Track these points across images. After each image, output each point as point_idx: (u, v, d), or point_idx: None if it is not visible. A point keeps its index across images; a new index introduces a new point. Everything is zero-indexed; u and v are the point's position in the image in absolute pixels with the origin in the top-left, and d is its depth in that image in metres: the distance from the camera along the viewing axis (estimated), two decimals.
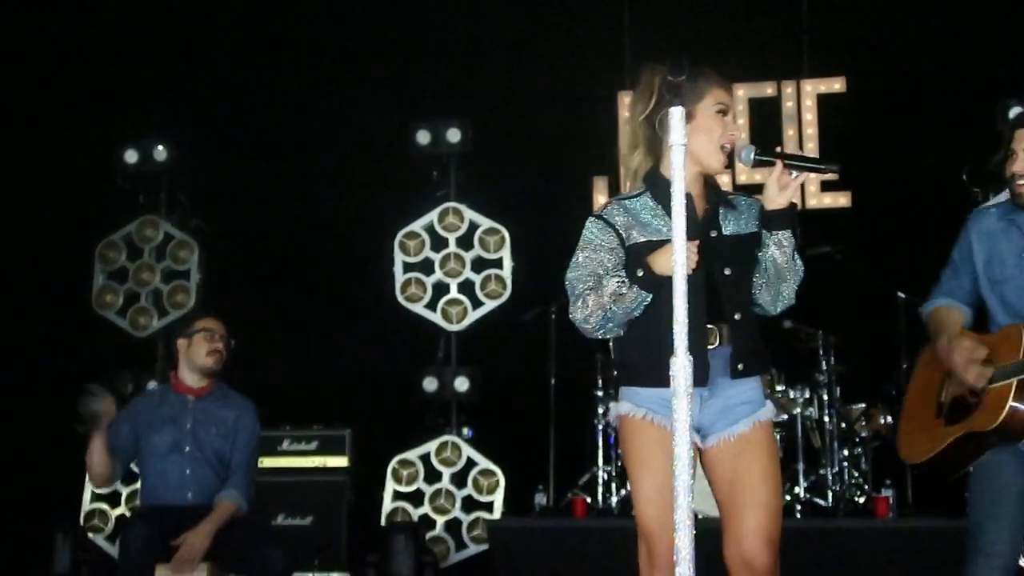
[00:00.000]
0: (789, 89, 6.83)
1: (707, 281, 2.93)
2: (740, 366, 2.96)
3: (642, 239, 2.98)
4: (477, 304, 6.49)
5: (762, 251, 2.99)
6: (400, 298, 6.51)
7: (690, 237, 2.87)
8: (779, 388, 5.98)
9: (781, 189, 2.96)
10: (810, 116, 6.81)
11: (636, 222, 3.01)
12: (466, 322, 6.49)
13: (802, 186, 6.47)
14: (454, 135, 6.58)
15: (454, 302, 6.51)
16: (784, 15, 6.91)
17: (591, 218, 3.05)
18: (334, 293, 6.95)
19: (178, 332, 4.33)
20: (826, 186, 6.69)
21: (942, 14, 6.48)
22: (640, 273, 2.94)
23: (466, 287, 6.51)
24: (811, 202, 6.73)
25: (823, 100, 6.80)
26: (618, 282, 2.96)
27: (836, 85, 6.81)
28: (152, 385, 6.16)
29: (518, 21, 6.94)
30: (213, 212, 6.93)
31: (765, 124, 6.83)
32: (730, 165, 3.57)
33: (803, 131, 6.80)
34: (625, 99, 6.81)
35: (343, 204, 6.98)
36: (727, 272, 2.98)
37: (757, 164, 2.98)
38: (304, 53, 7.07)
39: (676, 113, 2.50)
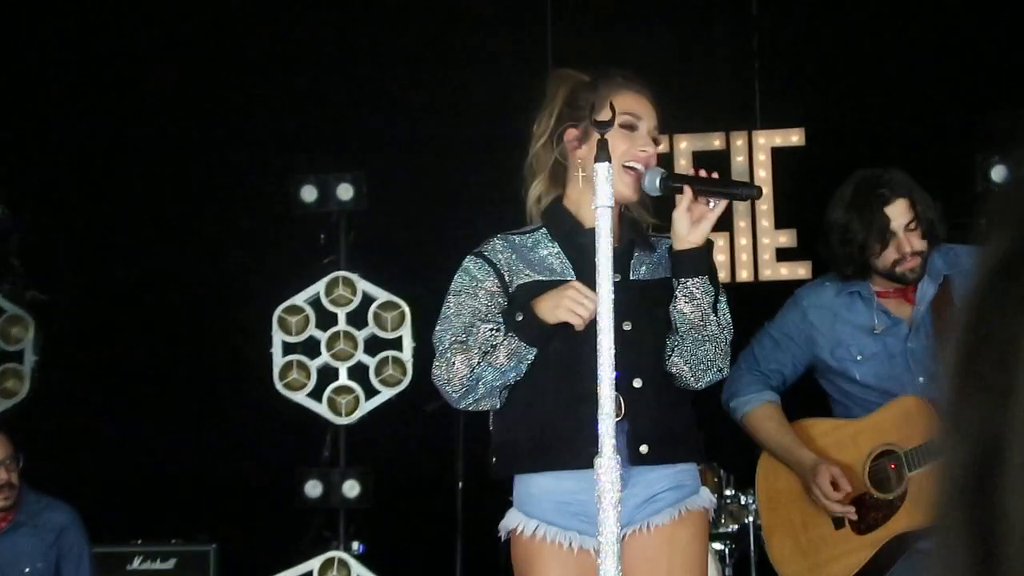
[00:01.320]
0: (739, 141, 7.02)
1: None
2: (643, 449, 2.83)
3: (529, 278, 2.91)
4: (371, 392, 6.52)
5: (671, 305, 2.88)
6: (279, 385, 6.52)
7: (585, 279, 2.85)
8: (728, 492, 5.94)
9: (693, 223, 2.85)
10: (764, 172, 6.98)
11: (523, 260, 2.95)
12: (357, 414, 6.52)
13: (754, 255, 6.86)
14: (345, 191, 6.63)
15: (343, 390, 6.54)
16: (733, 57, 7.19)
17: (468, 256, 3.00)
18: (199, 378, 6.98)
19: None
20: (782, 255, 6.90)
21: (914, 58, 6.77)
22: (519, 317, 2.83)
23: (358, 372, 6.55)
24: (765, 272, 6.92)
25: (779, 154, 6.99)
26: (490, 330, 2.85)
27: (793, 137, 7.00)
28: None
29: (423, 55, 7.07)
30: (52, 280, 6.94)
31: None
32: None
33: None
34: None
35: (210, 272, 7.04)
36: (626, 327, 2.84)
37: (667, 191, 2.89)
38: (166, 88, 7.16)
39: (602, 171, 2.54)
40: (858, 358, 3.88)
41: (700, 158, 7.04)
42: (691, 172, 2.97)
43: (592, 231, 2.86)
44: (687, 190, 2.87)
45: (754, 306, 6.45)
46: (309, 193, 6.64)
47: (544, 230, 3.04)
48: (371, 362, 6.52)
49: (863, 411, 3.89)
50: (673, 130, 6.96)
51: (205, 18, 7.11)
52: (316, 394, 6.54)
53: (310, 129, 7.15)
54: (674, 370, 2.93)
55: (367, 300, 6.60)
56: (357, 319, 6.58)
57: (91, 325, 7.03)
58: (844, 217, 3.85)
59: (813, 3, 7.02)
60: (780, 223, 6.92)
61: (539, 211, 3.13)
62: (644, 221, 3.15)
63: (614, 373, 2.59)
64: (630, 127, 3.01)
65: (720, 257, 6.84)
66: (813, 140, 6.98)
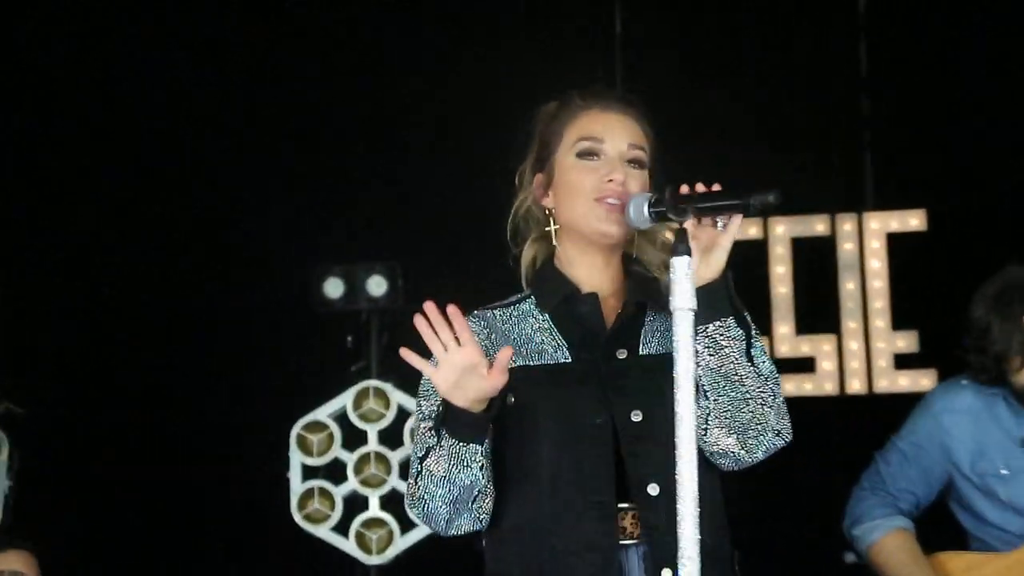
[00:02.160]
0: (848, 225, 6.89)
1: (609, 442, 2.68)
2: (666, 574, 2.63)
3: (512, 365, 2.71)
4: (408, 526, 6.44)
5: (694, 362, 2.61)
6: (297, 517, 6.48)
7: (583, 358, 2.74)
8: None
9: (703, 253, 2.65)
10: (877, 263, 6.86)
11: (504, 340, 2.80)
12: (391, 552, 6.45)
13: (867, 363, 6.67)
14: (377, 285, 6.62)
15: (374, 523, 6.47)
16: (839, 125, 7.06)
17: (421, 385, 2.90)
18: (202, 512, 6.87)
19: None
20: (901, 362, 6.73)
21: None
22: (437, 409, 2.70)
23: (392, 502, 6.48)
24: (880, 383, 6.76)
25: (895, 241, 6.86)
26: (427, 429, 2.73)
27: (913, 221, 6.87)
28: None
29: (463, 129, 6.97)
30: (31, 389, 6.83)
31: (815, 272, 6.86)
32: None
33: (867, 283, 6.84)
34: None
35: (218, 382, 6.95)
36: (635, 418, 2.69)
37: (663, 219, 2.70)
38: (169, 165, 7.16)
39: (680, 265, 2.43)
40: (1003, 472, 3.82)
41: (801, 247, 6.90)
42: (686, 189, 2.70)
43: (592, 296, 2.77)
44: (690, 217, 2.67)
45: (867, 424, 6.33)
46: (334, 287, 6.64)
47: (532, 299, 2.89)
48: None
49: (1007, 546, 3.74)
50: (769, 212, 6.83)
51: (215, 86, 7.14)
52: (342, 528, 6.49)
53: (335, 212, 7.09)
54: (716, 447, 2.70)
55: (403, 415, 6.51)
56: (391, 438, 6.53)
57: (78, 443, 6.94)
58: (984, 319, 3.77)
59: (934, 60, 6.86)
60: (898, 323, 6.77)
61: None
62: (653, 264, 2.95)
63: (695, 518, 2.38)
64: (589, 153, 2.84)
65: (827, 365, 6.72)
66: (936, 224, 6.85)
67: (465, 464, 2.63)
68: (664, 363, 2.63)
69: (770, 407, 2.70)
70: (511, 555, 2.72)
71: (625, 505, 2.64)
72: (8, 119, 7.07)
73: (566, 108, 2.91)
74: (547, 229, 2.90)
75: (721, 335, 2.64)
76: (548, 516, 2.66)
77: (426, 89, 7.04)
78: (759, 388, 2.68)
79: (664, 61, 7.08)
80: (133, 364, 7.02)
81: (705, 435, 2.68)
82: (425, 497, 2.69)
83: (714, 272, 2.63)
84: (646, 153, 2.88)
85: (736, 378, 2.64)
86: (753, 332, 2.73)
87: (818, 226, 6.94)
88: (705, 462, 2.70)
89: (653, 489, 2.63)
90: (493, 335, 2.82)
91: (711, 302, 2.60)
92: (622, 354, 2.69)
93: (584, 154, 2.83)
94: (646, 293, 2.83)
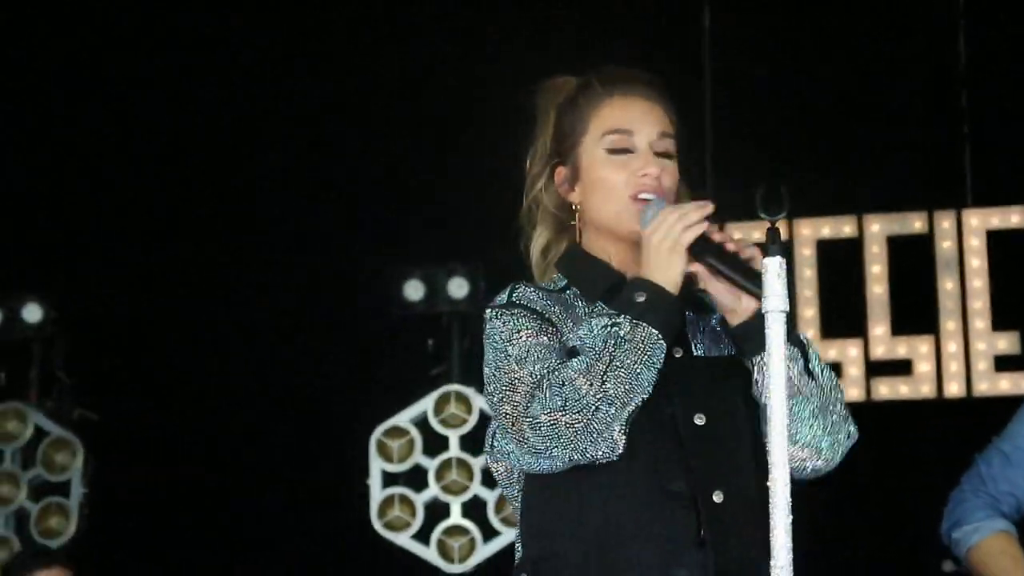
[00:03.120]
0: (946, 223, 6.81)
1: (676, 434, 2.58)
2: None
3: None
4: (490, 534, 6.46)
5: (754, 390, 2.61)
6: (377, 524, 6.49)
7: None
8: None
9: (735, 291, 2.58)
10: (977, 261, 6.79)
11: (570, 317, 2.66)
12: (473, 560, 6.45)
13: (967, 365, 6.57)
14: (458, 287, 6.63)
15: (456, 531, 6.48)
16: (937, 118, 6.97)
17: (496, 311, 2.67)
18: (280, 517, 6.89)
19: None
20: (1002, 364, 6.64)
21: None
22: (641, 298, 2.52)
23: (474, 509, 6.49)
24: (980, 386, 6.68)
25: (996, 238, 6.79)
26: (604, 324, 2.53)
27: (1014, 217, 6.81)
28: None
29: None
30: (104, 397, 6.96)
31: (912, 271, 6.78)
32: None
33: (966, 282, 6.74)
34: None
35: (294, 388, 6.96)
36: (698, 421, 2.60)
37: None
38: (244, 167, 7.18)
39: (772, 266, 2.36)
40: None
41: (897, 245, 6.82)
42: (718, 237, 2.63)
43: (640, 281, 2.59)
44: (697, 266, 2.59)
45: (966, 429, 6.21)
46: (415, 290, 6.67)
47: (573, 289, 2.71)
48: (490, 496, 6.49)
49: None
50: (863, 210, 6.78)
51: (300, 91, 7.17)
52: (423, 536, 6.50)
53: (416, 213, 7.08)
54: (793, 462, 2.56)
55: (484, 420, 6.46)
56: (473, 443, 6.52)
57: (151, 450, 6.97)
58: None
59: None
60: (999, 324, 6.69)
61: (547, 265, 2.82)
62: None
63: (788, 516, 2.31)
64: (622, 150, 2.71)
65: (925, 367, 6.63)
66: None
67: (650, 361, 2.51)
68: (718, 366, 2.64)
69: (838, 414, 2.64)
70: (566, 538, 2.58)
71: (689, 510, 2.55)
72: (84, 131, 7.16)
73: (586, 95, 2.76)
74: (572, 223, 2.77)
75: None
76: (618, 501, 2.56)
77: (508, 90, 7.01)
78: (824, 399, 2.62)
79: (755, 55, 7.02)
80: (209, 370, 7.04)
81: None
82: (607, 397, 2.47)
83: (755, 303, 2.51)
84: (674, 141, 2.77)
85: (801, 397, 2.59)
86: (808, 345, 2.66)
87: (915, 223, 6.86)
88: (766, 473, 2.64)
89: (718, 496, 2.56)
90: (557, 307, 2.65)
91: (760, 331, 2.45)
92: (678, 352, 2.58)
93: (616, 150, 2.70)
94: (685, 292, 2.66)
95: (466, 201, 7.00)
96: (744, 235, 6.78)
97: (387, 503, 6.50)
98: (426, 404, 6.55)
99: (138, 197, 7.17)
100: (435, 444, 6.53)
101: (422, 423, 6.56)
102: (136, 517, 6.75)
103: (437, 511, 6.52)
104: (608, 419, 2.48)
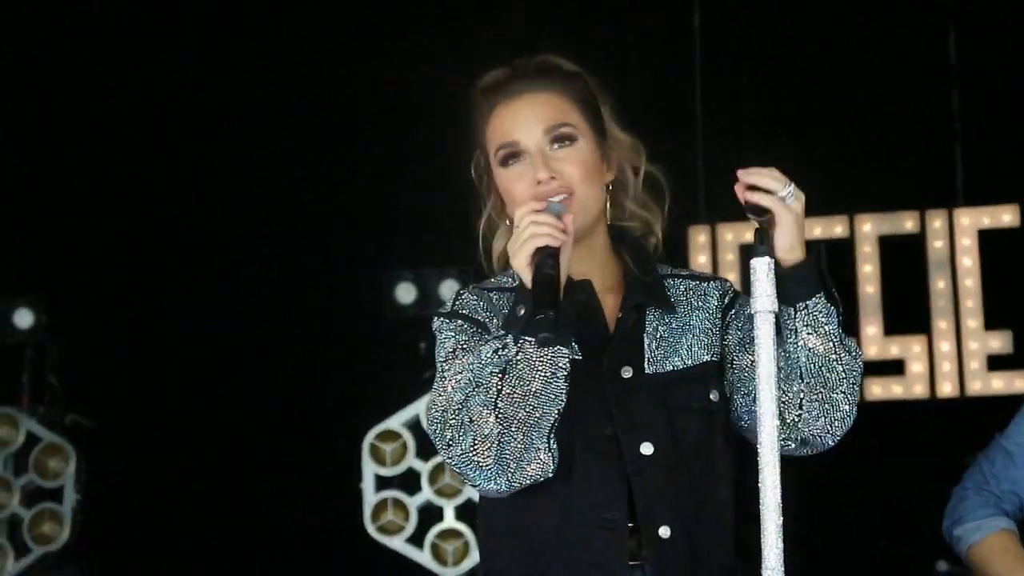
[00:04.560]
0: (938, 222, 6.81)
1: (619, 458, 2.51)
2: None
3: None
4: None
5: (787, 340, 2.51)
6: (371, 528, 6.46)
7: (589, 360, 2.55)
8: None
9: (785, 214, 2.44)
10: (969, 260, 6.79)
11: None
12: (467, 564, 6.41)
13: (959, 365, 6.59)
14: (449, 289, 6.57)
15: (450, 534, 6.44)
16: (928, 118, 6.98)
17: (440, 321, 2.62)
18: (272, 522, 6.86)
19: None
20: (995, 364, 6.64)
21: None
22: (521, 311, 2.44)
23: (467, 512, 6.44)
24: (973, 386, 6.68)
25: (987, 238, 6.78)
26: (494, 349, 2.45)
27: (1005, 216, 6.78)
28: None
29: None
30: (97, 402, 6.94)
31: (904, 271, 6.79)
32: None
33: (958, 281, 6.75)
34: (698, 237, 6.79)
35: (287, 391, 6.95)
36: (645, 451, 2.51)
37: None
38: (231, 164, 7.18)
39: (761, 266, 2.36)
40: None
41: (889, 245, 6.83)
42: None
43: (587, 283, 2.59)
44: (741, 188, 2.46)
45: (960, 429, 6.23)
46: (406, 292, 6.64)
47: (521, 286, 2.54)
48: None
49: None
50: (854, 209, 6.79)
51: (287, 90, 7.17)
52: (416, 539, 6.47)
53: (407, 216, 7.05)
54: (805, 432, 2.53)
55: None
56: None
57: (145, 456, 6.95)
58: None
59: None
60: (991, 323, 6.69)
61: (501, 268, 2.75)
62: (647, 252, 2.73)
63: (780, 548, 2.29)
64: (513, 159, 2.65)
65: (917, 367, 6.65)
66: None
67: (552, 374, 2.44)
68: (672, 383, 2.56)
69: (856, 386, 2.56)
70: (511, 556, 2.57)
71: (632, 525, 2.49)
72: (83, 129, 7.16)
73: (478, 111, 2.73)
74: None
75: (821, 312, 2.50)
76: (554, 526, 2.52)
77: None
78: (851, 367, 2.54)
79: (746, 54, 7.03)
80: (201, 374, 7.04)
81: (798, 422, 2.53)
82: (504, 425, 2.43)
83: (802, 239, 2.46)
84: (574, 123, 2.65)
85: (835, 358, 2.51)
86: (841, 309, 2.56)
87: (907, 223, 6.86)
88: (720, 494, 2.59)
89: (664, 532, 2.49)
90: (495, 318, 2.59)
91: (805, 278, 2.48)
92: (627, 372, 2.52)
93: (505, 162, 2.65)
94: (643, 288, 2.64)
95: (458, 203, 7.00)
96: (735, 236, 6.83)
97: (380, 507, 6.47)
98: (418, 407, 6.49)
99: (130, 202, 7.16)
100: (428, 447, 6.43)
101: (415, 426, 6.52)
102: (130, 523, 6.73)
103: (431, 515, 6.49)
104: (521, 446, 2.44)
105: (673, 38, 7.05)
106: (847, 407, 2.54)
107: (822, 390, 2.51)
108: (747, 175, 2.46)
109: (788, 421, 2.51)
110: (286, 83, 7.16)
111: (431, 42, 7.06)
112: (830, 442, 2.56)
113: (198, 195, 7.18)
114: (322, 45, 7.15)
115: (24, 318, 6.77)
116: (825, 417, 2.52)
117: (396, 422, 6.54)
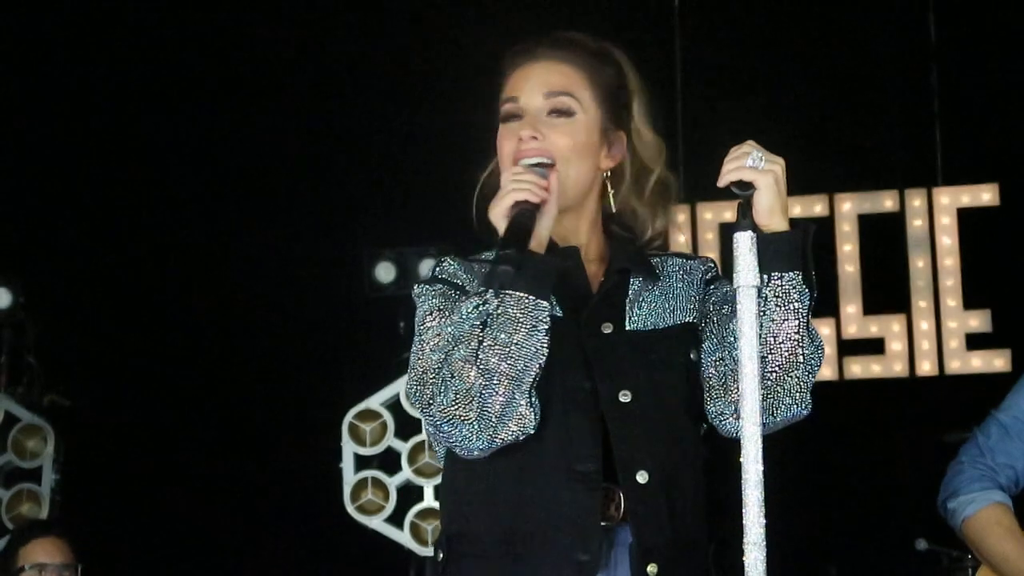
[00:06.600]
0: (917, 201, 6.85)
1: (595, 412, 2.51)
2: (651, 570, 2.49)
3: None
4: None
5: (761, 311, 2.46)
6: (350, 508, 6.46)
7: (570, 320, 2.56)
8: None
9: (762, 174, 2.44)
10: (948, 239, 6.83)
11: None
12: None
13: (939, 343, 6.63)
14: (429, 268, 6.50)
15: (429, 514, 6.45)
16: (908, 98, 7.02)
17: (419, 287, 2.66)
18: (252, 502, 6.90)
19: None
20: (973, 342, 6.67)
21: None
22: (505, 266, 2.45)
23: None
24: (952, 364, 6.72)
25: (966, 216, 6.82)
26: (475, 304, 2.48)
27: (984, 195, 6.83)
28: None
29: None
30: (75, 382, 6.93)
31: (884, 250, 6.82)
32: None
33: (938, 260, 6.78)
34: (677, 216, 6.79)
35: (266, 371, 6.96)
36: (623, 399, 2.53)
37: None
38: (214, 143, 7.18)
39: (743, 241, 2.37)
40: None
41: (868, 224, 6.85)
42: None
43: (573, 249, 2.61)
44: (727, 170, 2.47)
45: (939, 407, 6.27)
46: (386, 272, 6.65)
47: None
48: None
49: None
50: (834, 188, 6.84)
51: (267, 71, 7.17)
52: (396, 519, 6.47)
53: (386, 195, 7.09)
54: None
55: None
56: None
57: (123, 435, 6.96)
58: None
59: (1006, 27, 6.79)
60: (970, 303, 6.74)
61: None
62: (646, 227, 2.74)
63: (760, 503, 2.31)
64: (510, 117, 2.66)
65: (897, 345, 6.68)
66: (1010, 198, 6.80)
67: (535, 325, 2.45)
68: (651, 340, 2.58)
69: (810, 377, 2.51)
70: (479, 517, 2.55)
71: (608, 485, 2.48)
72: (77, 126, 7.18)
73: (502, 72, 2.73)
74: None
75: (794, 288, 2.46)
76: (528, 480, 2.52)
77: (485, 70, 7.01)
78: (811, 356, 2.50)
79: (726, 34, 7.04)
80: (179, 355, 7.06)
81: (725, 394, 2.54)
82: (492, 372, 2.42)
83: (784, 207, 2.46)
84: (579, 97, 2.66)
85: (797, 339, 2.48)
86: (815, 294, 2.51)
87: (886, 202, 6.91)
88: (694, 450, 2.60)
89: (642, 476, 2.50)
90: (468, 283, 2.62)
91: (786, 250, 2.46)
92: (607, 328, 2.53)
93: (505, 118, 2.67)
94: (629, 258, 2.66)
95: (437, 182, 7.02)
96: (715, 215, 6.86)
97: (360, 486, 6.48)
98: (398, 387, 6.47)
99: (107, 181, 7.17)
100: (407, 427, 6.49)
101: (394, 406, 6.52)
102: (108, 503, 6.74)
103: (410, 494, 6.50)
104: (503, 399, 2.45)
105: (653, 17, 7.07)
106: (799, 395, 2.50)
107: (777, 369, 2.48)
108: (725, 170, 2.48)
109: (735, 395, 2.47)
110: (263, 63, 7.16)
111: (414, 25, 7.07)
112: (770, 426, 2.50)
113: (175, 175, 7.18)
114: (302, 24, 7.15)
115: (2, 298, 6.75)
116: (772, 396, 2.49)
117: (375, 402, 6.53)
